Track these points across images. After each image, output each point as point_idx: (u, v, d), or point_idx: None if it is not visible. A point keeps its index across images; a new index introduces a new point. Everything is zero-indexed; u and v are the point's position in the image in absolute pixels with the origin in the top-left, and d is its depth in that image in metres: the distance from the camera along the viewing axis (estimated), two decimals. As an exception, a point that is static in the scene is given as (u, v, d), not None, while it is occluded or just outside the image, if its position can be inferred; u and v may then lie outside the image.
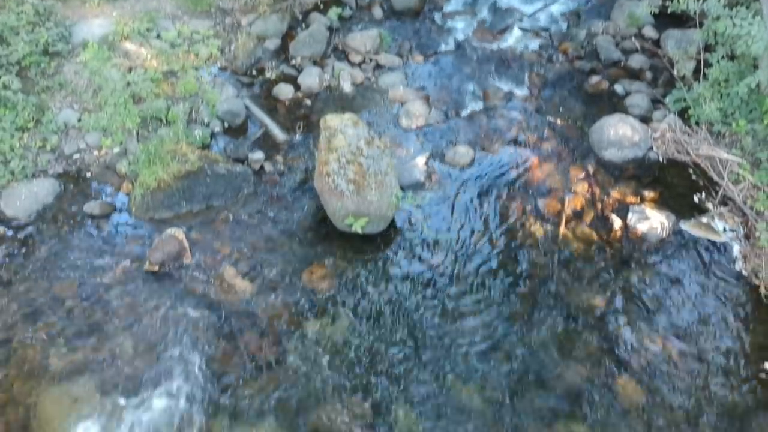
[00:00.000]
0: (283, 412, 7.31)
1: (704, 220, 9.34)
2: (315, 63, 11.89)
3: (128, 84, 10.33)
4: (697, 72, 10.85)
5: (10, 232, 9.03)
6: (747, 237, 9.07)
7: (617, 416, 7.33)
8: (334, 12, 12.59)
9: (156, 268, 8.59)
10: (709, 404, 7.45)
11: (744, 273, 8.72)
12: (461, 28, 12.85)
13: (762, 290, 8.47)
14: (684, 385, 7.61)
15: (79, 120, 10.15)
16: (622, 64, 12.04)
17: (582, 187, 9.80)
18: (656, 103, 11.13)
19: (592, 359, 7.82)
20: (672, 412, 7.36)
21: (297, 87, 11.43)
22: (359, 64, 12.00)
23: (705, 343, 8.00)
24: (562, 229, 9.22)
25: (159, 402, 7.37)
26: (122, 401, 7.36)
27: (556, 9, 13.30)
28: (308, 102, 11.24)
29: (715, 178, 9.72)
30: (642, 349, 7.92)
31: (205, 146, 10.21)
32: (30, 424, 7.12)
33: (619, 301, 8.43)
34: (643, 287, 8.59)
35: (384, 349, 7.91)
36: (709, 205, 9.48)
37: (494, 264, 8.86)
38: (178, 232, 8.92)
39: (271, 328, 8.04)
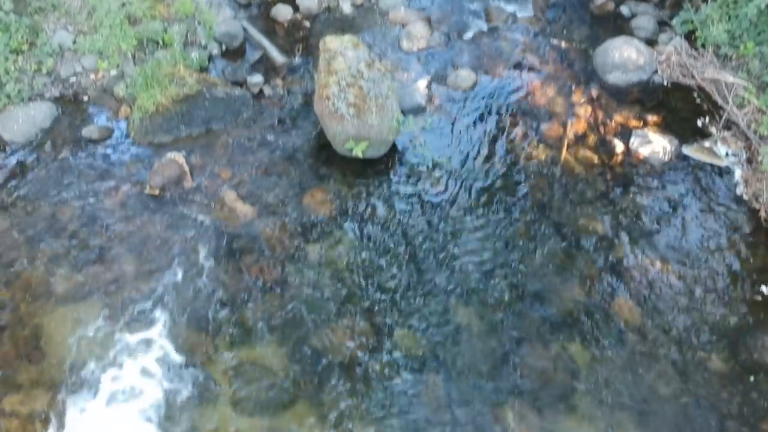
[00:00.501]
0: (285, 333, 7.43)
1: (707, 144, 9.28)
2: (314, -17, 11.58)
3: (123, 5, 10.06)
4: (706, -8, 10.60)
5: (8, 157, 8.96)
6: (749, 161, 9.03)
7: (613, 336, 7.46)
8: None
9: (156, 191, 8.59)
10: (706, 325, 7.56)
11: (745, 197, 8.72)
12: (464, -55, 12.47)
13: (762, 214, 8.49)
14: (681, 306, 7.71)
15: (75, 42, 9.92)
16: (629, -16, 11.75)
17: (585, 111, 9.71)
18: (662, 25, 10.88)
19: (590, 281, 7.90)
20: (668, 333, 7.48)
21: (296, 8, 11.14)
22: (359, -16, 11.70)
23: (703, 265, 8.07)
24: (564, 152, 9.17)
25: (161, 321, 7.48)
26: (126, 321, 7.47)
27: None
28: (307, 23, 11.00)
29: (720, 102, 9.60)
30: (640, 271, 7.99)
31: (203, 69, 10.03)
32: (36, 342, 7.26)
33: (619, 224, 8.45)
34: (643, 210, 8.60)
35: (385, 271, 7.98)
36: (713, 130, 9.41)
37: (495, 187, 8.85)
38: (178, 156, 8.87)
39: (272, 251, 8.10)
